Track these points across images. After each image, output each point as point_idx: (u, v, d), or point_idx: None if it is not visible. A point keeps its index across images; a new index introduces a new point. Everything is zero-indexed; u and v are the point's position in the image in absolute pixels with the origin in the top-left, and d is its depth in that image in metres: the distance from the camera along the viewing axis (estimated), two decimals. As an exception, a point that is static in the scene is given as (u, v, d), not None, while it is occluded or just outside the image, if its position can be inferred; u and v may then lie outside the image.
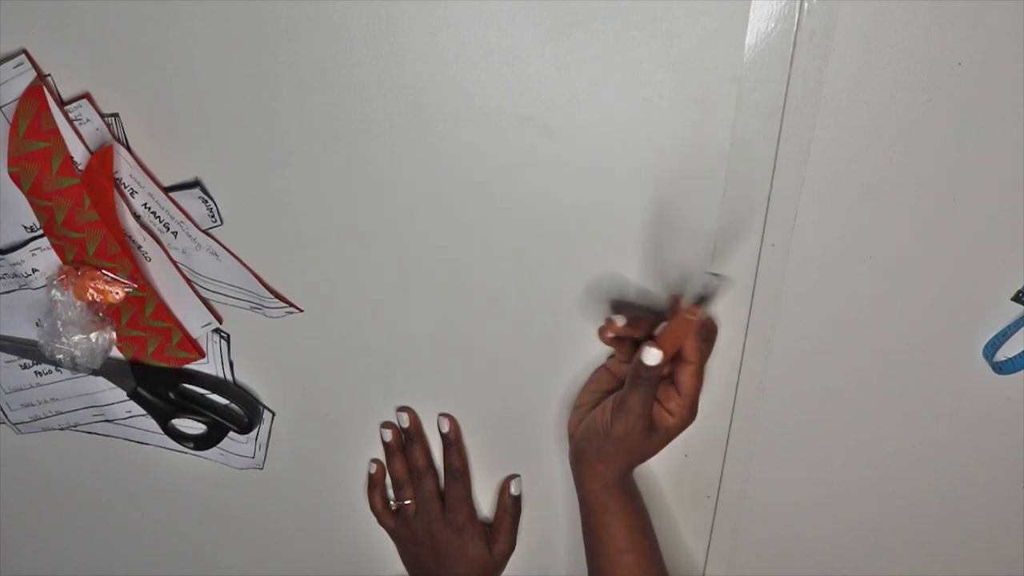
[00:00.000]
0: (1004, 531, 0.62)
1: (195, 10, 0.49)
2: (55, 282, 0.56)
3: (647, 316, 0.53)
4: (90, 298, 0.56)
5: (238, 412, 0.63)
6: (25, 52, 0.51)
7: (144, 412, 0.64)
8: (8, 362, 0.63)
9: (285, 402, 0.65)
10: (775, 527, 0.64)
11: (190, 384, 0.63)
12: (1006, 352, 0.53)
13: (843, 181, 0.50)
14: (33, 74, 0.51)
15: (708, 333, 0.54)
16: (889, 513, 0.62)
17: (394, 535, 0.67)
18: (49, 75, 0.52)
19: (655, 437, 0.52)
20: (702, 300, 0.49)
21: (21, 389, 0.64)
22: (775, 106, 0.47)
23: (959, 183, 0.49)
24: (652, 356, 0.49)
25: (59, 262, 0.57)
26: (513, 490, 0.64)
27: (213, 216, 0.56)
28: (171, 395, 0.63)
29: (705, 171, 0.50)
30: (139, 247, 0.56)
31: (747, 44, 0.46)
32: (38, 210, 0.54)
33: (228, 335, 0.61)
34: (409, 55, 0.49)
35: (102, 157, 0.52)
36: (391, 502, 0.67)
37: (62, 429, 0.67)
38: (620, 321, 0.51)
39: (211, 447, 0.65)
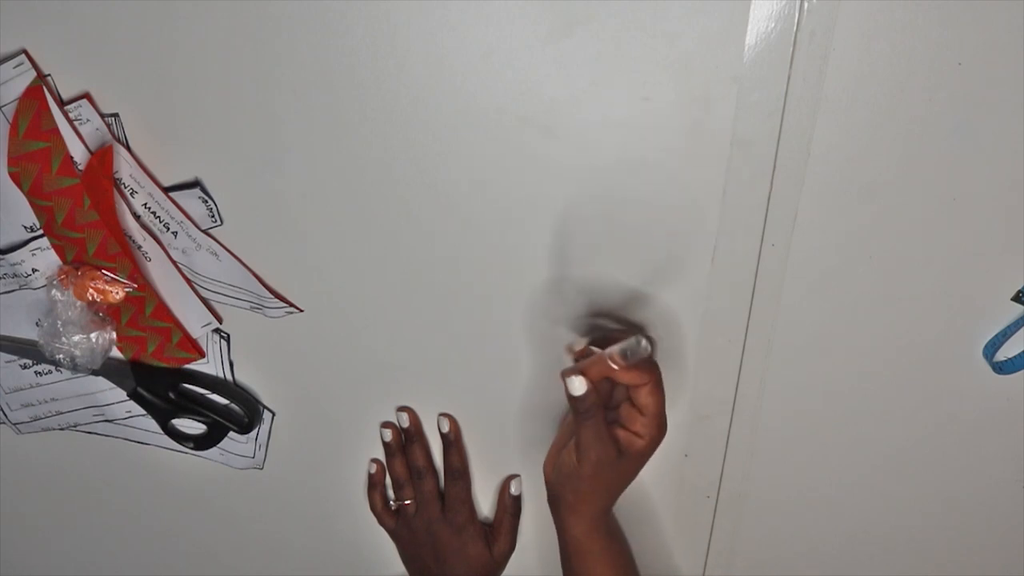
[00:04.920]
0: (1004, 531, 0.62)
1: (195, 10, 0.49)
2: (55, 282, 0.56)
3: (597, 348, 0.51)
4: (90, 298, 0.56)
5: (238, 412, 0.63)
6: (25, 52, 0.51)
7: (144, 412, 0.64)
8: (8, 362, 0.63)
9: (285, 402, 0.65)
10: (775, 527, 0.64)
11: (190, 384, 0.63)
12: (1006, 352, 0.53)
13: (843, 181, 0.50)
14: (33, 74, 0.51)
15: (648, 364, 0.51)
16: (889, 513, 0.62)
17: (394, 535, 0.67)
18: (49, 75, 0.52)
19: (627, 463, 0.51)
20: (625, 354, 0.47)
21: (21, 389, 0.64)
22: (775, 106, 0.47)
23: (959, 183, 0.49)
24: (575, 386, 0.47)
25: (59, 262, 0.57)
26: (513, 490, 0.64)
27: (213, 216, 0.56)
28: (171, 395, 0.63)
29: (705, 171, 0.50)
30: (139, 247, 0.56)
31: (747, 44, 0.46)
32: (38, 210, 0.54)
33: (228, 335, 0.61)
34: (409, 55, 0.49)
35: (102, 157, 0.52)
36: (391, 502, 0.67)
37: (62, 429, 0.67)
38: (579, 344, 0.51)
39: (211, 447, 0.65)
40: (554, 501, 0.55)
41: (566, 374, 0.48)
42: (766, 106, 0.47)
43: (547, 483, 0.56)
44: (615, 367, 0.48)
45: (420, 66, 0.49)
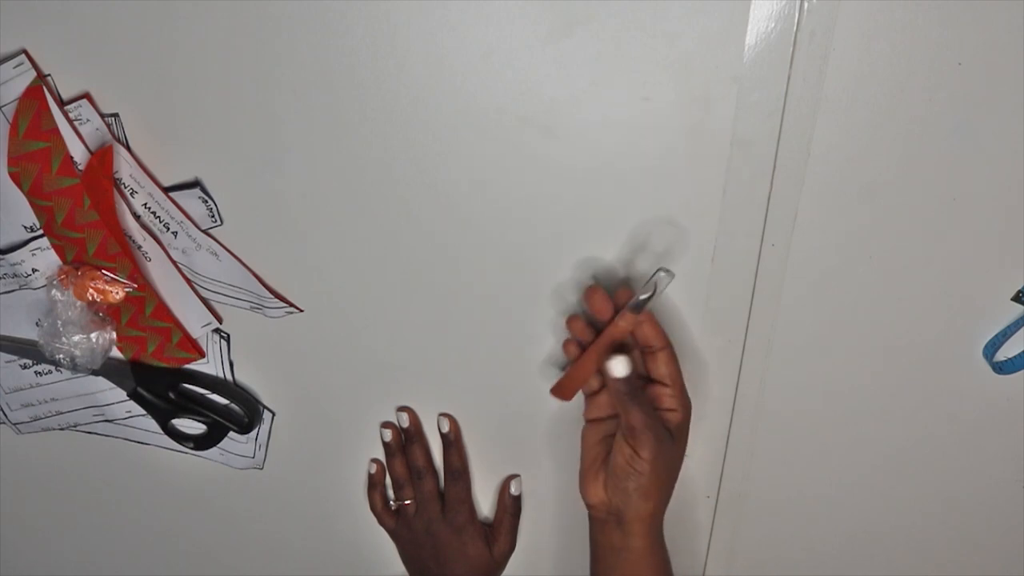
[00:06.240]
0: (1004, 531, 0.62)
1: (195, 10, 0.49)
2: (55, 282, 0.56)
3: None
4: (90, 298, 0.56)
5: (238, 412, 0.63)
6: (25, 52, 0.51)
7: (144, 412, 0.64)
8: (8, 362, 0.63)
9: (285, 402, 0.65)
10: (775, 526, 0.65)
11: (190, 384, 0.63)
12: (1006, 352, 0.53)
13: (843, 181, 0.50)
14: (33, 74, 0.51)
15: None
16: (889, 513, 0.62)
17: (394, 535, 0.67)
18: (49, 75, 0.52)
19: (677, 445, 0.51)
20: (647, 300, 0.48)
21: (21, 389, 0.64)
22: (775, 106, 0.47)
23: (959, 183, 0.49)
24: (619, 368, 0.46)
25: (59, 262, 0.57)
26: (513, 490, 0.64)
27: (213, 216, 0.56)
28: (171, 395, 0.63)
29: (705, 171, 0.50)
30: (139, 247, 0.56)
31: (747, 44, 0.46)
32: (38, 210, 0.54)
33: (228, 335, 0.61)
34: (409, 55, 0.49)
35: (102, 157, 0.52)
36: (391, 502, 0.67)
37: (62, 429, 0.67)
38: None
39: (211, 447, 0.65)
40: (612, 519, 0.51)
41: (608, 361, 0.46)
42: (766, 106, 0.47)
43: (596, 506, 0.52)
44: (626, 325, 0.48)
45: (420, 66, 0.49)
